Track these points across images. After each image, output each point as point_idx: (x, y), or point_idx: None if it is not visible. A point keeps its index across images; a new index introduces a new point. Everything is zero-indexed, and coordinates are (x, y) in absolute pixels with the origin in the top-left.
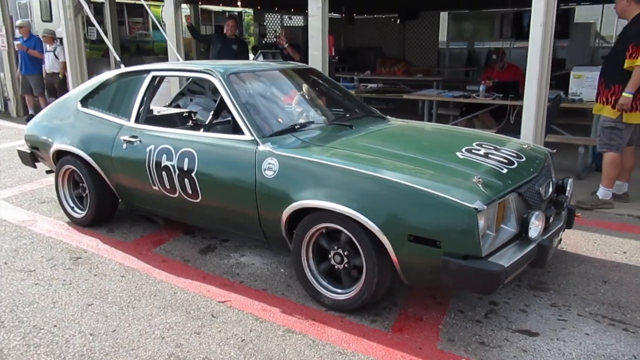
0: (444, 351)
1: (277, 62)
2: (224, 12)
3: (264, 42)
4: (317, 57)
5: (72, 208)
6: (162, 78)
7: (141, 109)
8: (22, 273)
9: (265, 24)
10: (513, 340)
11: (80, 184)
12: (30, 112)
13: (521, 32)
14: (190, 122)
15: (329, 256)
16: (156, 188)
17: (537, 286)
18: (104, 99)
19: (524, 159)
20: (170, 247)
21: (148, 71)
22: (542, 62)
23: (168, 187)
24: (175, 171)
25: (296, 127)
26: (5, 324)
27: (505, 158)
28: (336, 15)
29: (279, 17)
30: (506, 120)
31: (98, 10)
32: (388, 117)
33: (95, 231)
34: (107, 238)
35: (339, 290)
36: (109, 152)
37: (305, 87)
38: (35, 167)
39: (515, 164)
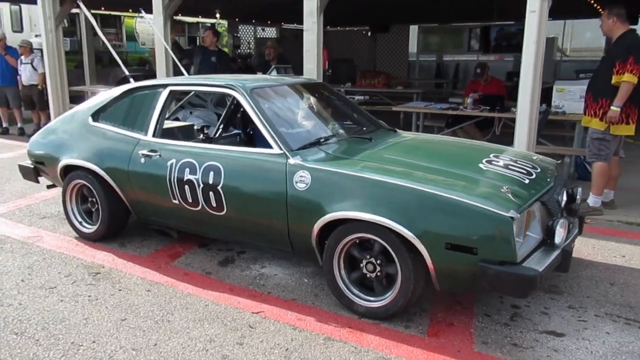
0: (482, 353)
1: (290, 77)
2: (197, 23)
3: (237, 52)
4: (312, 70)
5: (80, 223)
6: (179, 93)
7: (159, 123)
8: (43, 290)
9: (239, 35)
10: (542, 341)
11: (90, 199)
12: (4, 124)
13: (488, 46)
14: (202, 135)
15: (361, 265)
16: (176, 202)
17: (551, 290)
18: (117, 114)
19: (539, 169)
20: (188, 260)
21: (165, 85)
22: (535, 76)
23: (190, 200)
24: (199, 185)
25: (321, 140)
26: (41, 342)
27: (524, 169)
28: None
29: (252, 28)
30: (492, 132)
31: (72, 20)
32: (397, 129)
33: (107, 246)
34: (121, 252)
35: (371, 298)
36: (125, 167)
37: (320, 101)
38: (38, 182)
39: (534, 175)
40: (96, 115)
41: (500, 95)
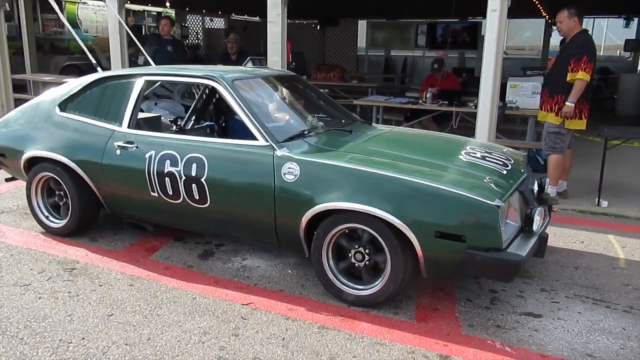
0: (469, 335)
1: (266, 69)
2: (143, 11)
3: (186, 43)
4: (277, 62)
5: (47, 217)
6: (154, 83)
7: (134, 114)
8: (17, 287)
9: (187, 25)
10: (522, 322)
11: (57, 192)
12: None
13: (434, 42)
14: (175, 127)
15: (349, 255)
16: (155, 194)
17: (523, 274)
18: (88, 104)
19: (512, 161)
20: (167, 254)
21: (139, 75)
22: (496, 72)
23: (171, 193)
24: (181, 177)
25: (305, 132)
26: (26, 340)
27: (499, 160)
28: (255, 19)
29: (200, 18)
30: (450, 126)
31: (9, 4)
32: (373, 123)
33: (78, 241)
34: (94, 247)
35: (360, 287)
36: (98, 159)
37: (296, 93)
38: None
39: (509, 166)
40: (64, 105)
41: (457, 90)
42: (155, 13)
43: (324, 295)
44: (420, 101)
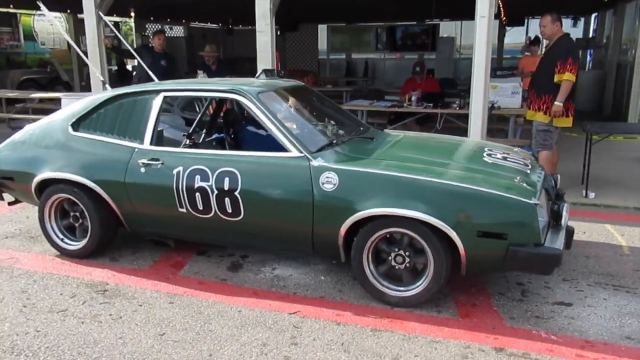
0: (514, 327)
1: (279, 80)
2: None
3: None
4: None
5: (61, 240)
6: (173, 99)
7: (155, 131)
8: (54, 314)
9: (147, 34)
10: (557, 311)
11: (72, 214)
12: None
13: (395, 45)
14: (188, 140)
15: (389, 258)
16: (183, 210)
17: None
18: (104, 122)
19: (529, 160)
20: (194, 269)
21: (157, 91)
22: (486, 74)
23: (201, 208)
24: (212, 191)
25: (333, 142)
26: None
27: (519, 160)
28: (214, 25)
29: (159, 27)
30: (435, 128)
31: None
32: (383, 129)
33: (97, 262)
34: (118, 267)
35: (402, 288)
36: (121, 177)
37: (311, 103)
38: (2, 198)
39: (529, 165)
40: (77, 124)
41: (440, 92)
42: (112, 23)
43: (364, 298)
44: (405, 104)
